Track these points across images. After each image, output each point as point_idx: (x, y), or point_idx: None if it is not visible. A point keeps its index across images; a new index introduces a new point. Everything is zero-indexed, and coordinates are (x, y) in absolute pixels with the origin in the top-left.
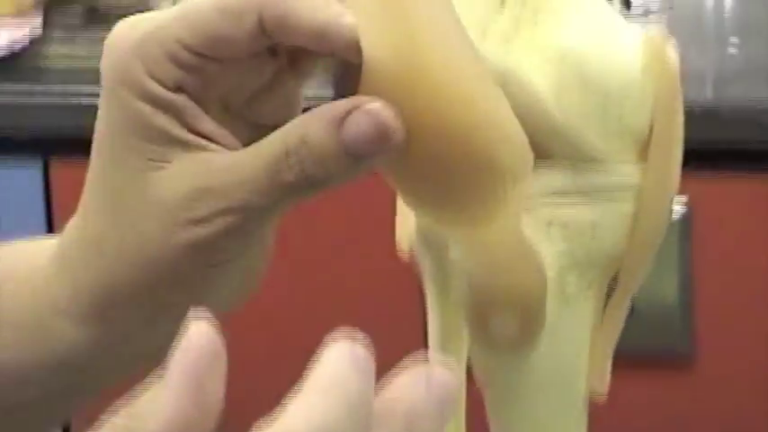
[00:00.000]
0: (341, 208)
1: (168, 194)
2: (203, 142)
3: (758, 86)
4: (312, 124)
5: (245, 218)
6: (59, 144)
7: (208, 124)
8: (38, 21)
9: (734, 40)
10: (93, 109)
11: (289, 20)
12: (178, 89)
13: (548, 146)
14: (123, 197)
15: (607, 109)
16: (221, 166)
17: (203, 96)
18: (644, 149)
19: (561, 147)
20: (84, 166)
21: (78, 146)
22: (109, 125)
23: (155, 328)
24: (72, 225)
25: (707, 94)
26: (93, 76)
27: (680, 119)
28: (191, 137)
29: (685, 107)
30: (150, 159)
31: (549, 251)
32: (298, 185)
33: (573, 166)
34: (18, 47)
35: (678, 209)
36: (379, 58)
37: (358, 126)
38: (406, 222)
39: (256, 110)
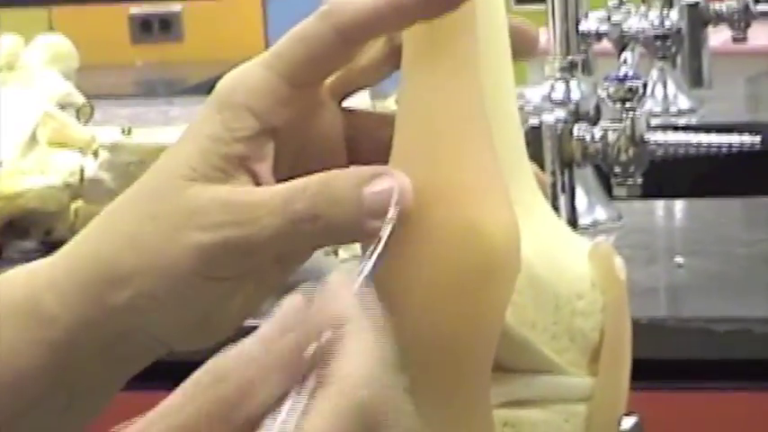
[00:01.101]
0: None
1: (192, 200)
2: (248, 179)
3: (707, 300)
4: (340, 173)
5: (250, 236)
6: None
7: (267, 170)
8: None
9: (681, 254)
10: None
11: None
12: (267, 131)
13: (502, 357)
14: (155, 194)
15: (558, 314)
16: (247, 190)
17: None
18: (594, 361)
19: (515, 358)
20: None
21: None
22: (183, 136)
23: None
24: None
25: (656, 308)
26: None
27: (629, 330)
28: (242, 174)
29: (635, 321)
30: (193, 170)
31: None
32: (305, 218)
33: (526, 376)
34: None
35: (630, 423)
36: None
37: (381, 184)
38: None
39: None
